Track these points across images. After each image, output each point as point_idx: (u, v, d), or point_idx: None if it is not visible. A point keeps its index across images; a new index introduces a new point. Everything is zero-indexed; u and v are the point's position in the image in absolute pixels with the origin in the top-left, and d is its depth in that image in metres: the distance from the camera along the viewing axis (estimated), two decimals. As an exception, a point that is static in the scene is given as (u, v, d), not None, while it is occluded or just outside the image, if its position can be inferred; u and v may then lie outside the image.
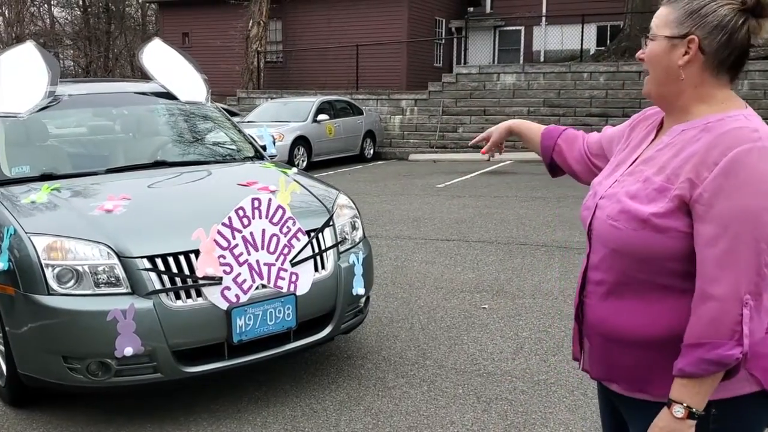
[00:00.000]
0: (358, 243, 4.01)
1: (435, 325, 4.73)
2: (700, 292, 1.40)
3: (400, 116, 18.20)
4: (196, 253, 3.22)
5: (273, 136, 5.17)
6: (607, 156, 1.84)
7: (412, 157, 16.83)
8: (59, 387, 3.25)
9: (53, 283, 3.13)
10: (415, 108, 18.08)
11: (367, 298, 4.02)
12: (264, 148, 5.01)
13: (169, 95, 4.92)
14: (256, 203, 3.34)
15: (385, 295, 5.41)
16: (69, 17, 38.34)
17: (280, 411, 3.55)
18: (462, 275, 5.94)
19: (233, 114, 17.35)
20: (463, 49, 21.01)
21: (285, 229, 3.43)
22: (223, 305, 3.24)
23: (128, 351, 3.06)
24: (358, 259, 3.75)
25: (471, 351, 4.27)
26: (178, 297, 3.21)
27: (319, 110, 14.89)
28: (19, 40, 33.02)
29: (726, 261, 1.37)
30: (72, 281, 3.15)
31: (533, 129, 2.12)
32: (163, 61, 5.17)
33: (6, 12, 34.42)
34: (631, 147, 1.66)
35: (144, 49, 5.18)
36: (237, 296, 3.27)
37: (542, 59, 22.69)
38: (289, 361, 4.07)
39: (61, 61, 37.85)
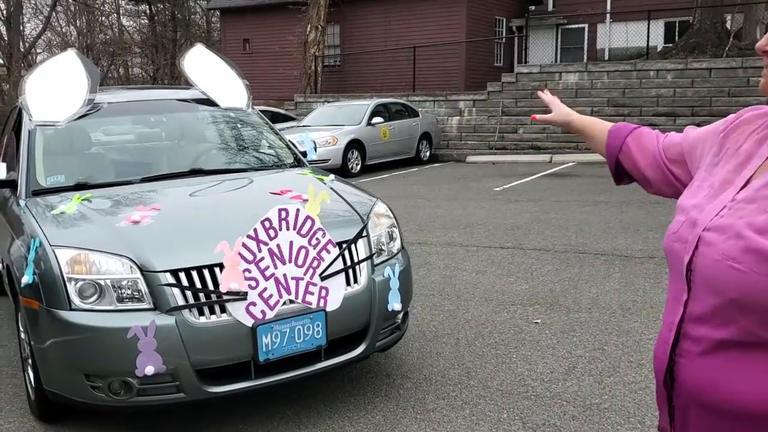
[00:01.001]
0: (396, 254, 3.78)
1: (482, 341, 4.46)
2: None
3: (458, 117, 17.88)
4: (221, 266, 3.06)
5: (314, 142, 4.99)
6: (687, 164, 1.49)
7: (470, 159, 16.50)
8: (83, 405, 3.14)
9: (75, 298, 3.02)
10: (474, 109, 17.73)
11: (406, 314, 3.79)
12: (305, 154, 4.84)
13: (209, 102, 4.81)
14: (284, 214, 3.16)
15: (431, 307, 5.17)
16: (137, 26, 39.44)
17: (311, 433, 3.36)
18: (514, 286, 5.64)
19: (290, 118, 17.41)
20: (523, 48, 20.53)
21: (314, 241, 3.24)
22: (249, 322, 3.06)
23: (149, 370, 2.92)
24: (394, 272, 3.52)
25: (519, 371, 3.99)
26: (201, 313, 3.05)
27: (374, 113, 14.74)
28: (89, 49, 34.20)
29: None
30: (94, 296, 3.03)
31: (598, 126, 1.78)
32: (204, 67, 5.07)
33: (78, 22, 35.67)
34: (737, 161, 1.30)
35: (186, 56, 5.10)
36: (263, 312, 3.09)
37: (606, 57, 21.95)
38: (324, 378, 3.88)
39: (130, 69, 39.03)
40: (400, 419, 3.47)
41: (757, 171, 1.24)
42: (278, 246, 3.14)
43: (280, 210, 3.15)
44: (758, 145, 1.28)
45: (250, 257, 3.07)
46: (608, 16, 22.17)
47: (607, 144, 1.71)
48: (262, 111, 17.61)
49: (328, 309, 3.25)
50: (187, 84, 5.11)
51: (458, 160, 16.69)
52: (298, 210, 3.20)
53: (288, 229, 3.17)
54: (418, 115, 16.28)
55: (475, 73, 21.29)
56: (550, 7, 23.99)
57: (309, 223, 3.23)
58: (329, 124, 14.51)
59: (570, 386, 3.75)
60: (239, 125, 4.92)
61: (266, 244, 3.12)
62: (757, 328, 1.13)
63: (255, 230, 3.09)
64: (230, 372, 3.15)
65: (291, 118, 17.52)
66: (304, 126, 15.02)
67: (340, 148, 13.44)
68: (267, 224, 3.12)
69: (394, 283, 3.52)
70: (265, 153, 4.74)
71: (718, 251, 1.17)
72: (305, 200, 3.42)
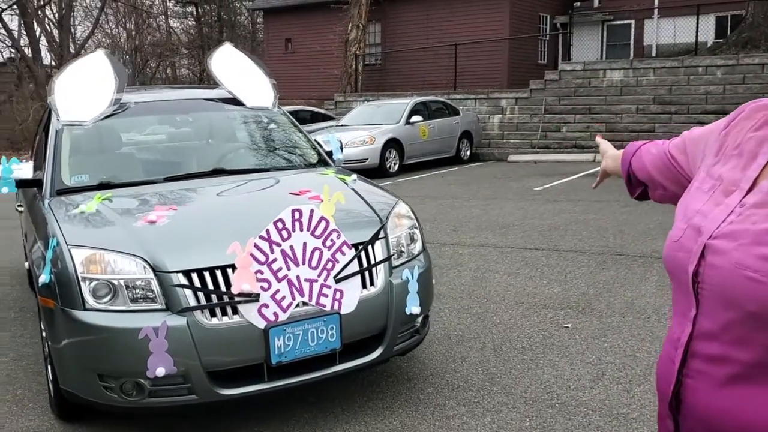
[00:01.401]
0: (417, 256, 3.69)
1: (509, 345, 4.34)
2: None
3: (500, 116, 17.64)
4: (234, 267, 3.02)
5: (341, 141, 4.92)
6: (689, 160, 1.38)
7: (511, 158, 16.26)
8: (97, 405, 3.14)
9: (89, 298, 3.02)
10: (516, 107, 17.47)
11: (426, 317, 3.69)
12: (330, 154, 4.78)
13: (235, 101, 4.79)
14: (297, 215, 3.10)
15: (459, 309, 5.06)
16: (184, 27, 40.10)
17: (326, 438, 3.29)
18: (547, 289, 5.49)
19: (329, 118, 17.43)
20: (567, 45, 20.16)
21: (329, 243, 3.17)
22: (261, 324, 3.01)
23: (160, 371, 2.90)
24: (412, 275, 3.43)
25: (545, 377, 3.85)
26: (213, 314, 3.01)
27: (413, 112, 14.61)
28: (137, 50, 34.92)
29: None
30: (108, 296, 3.02)
31: (617, 154, 1.72)
32: (231, 66, 5.05)
33: (127, 24, 36.44)
34: (739, 161, 1.18)
35: (213, 55, 5.08)
36: (275, 314, 3.04)
37: (653, 54, 21.41)
38: (344, 381, 3.81)
39: (177, 70, 39.71)
40: (418, 426, 3.38)
41: (763, 171, 1.12)
42: (291, 247, 3.08)
43: (293, 211, 3.09)
44: (760, 142, 1.16)
45: (262, 258, 3.02)
46: (656, 11, 21.63)
47: (623, 152, 1.63)
48: (301, 110, 17.70)
49: (343, 312, 3.18)
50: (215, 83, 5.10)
51: (499, 159, 16.47)
52: (312, 211, 3.14)
53: (302, 230, 3.11)
54: (458, 114, 16.10)
55: (518, 71, 21.01)
56: (596, 3, 23.51)
57: (323, 224, 3.16)
58: (367, 123, 14.44)
59: (597, 394, 3.61)
60: (265, 125, 4.89)
61: (279, 245, 3.06)
62: None
63: (267, 231, 3.04)
64: (243, 374, 3.11)
65: (330, 118, 17.53)
66: (342, 125, 14.99)
67: (377, 147, 13.36)
68: (280, 225, 3.06)
69: (413, 286, 3.43)
70: (289, 153, 4.70)
71: (730, 260, 1.06)
72: (323, 201, 3.36)
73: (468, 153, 16.21)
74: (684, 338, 1.16)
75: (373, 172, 13.32)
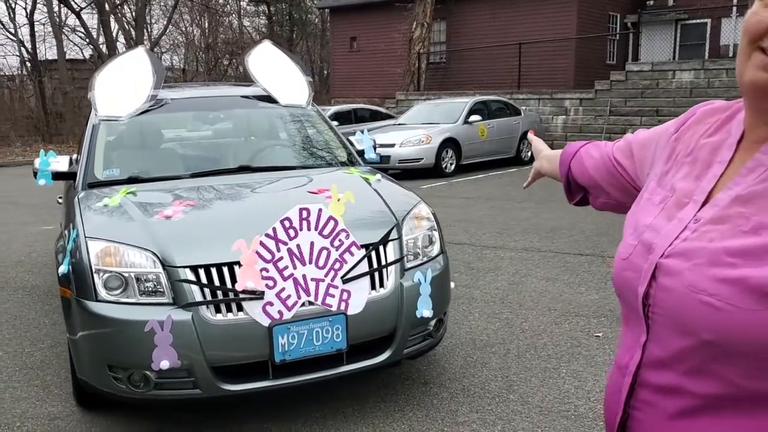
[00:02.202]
0: (435, 258, 3.62)
1: (533, 353, 4.22)
2: None
3: (563, 117, 17.27)
4: (240, 264, 3.03)
5: (374, 140, 4.89)
6: (636, 166, 1.27)
7: (573, 160, 15.87)
8: (108, 395, 3.21)
9: (101, 289, 3.09)
10: (580, 108, 17.07)
11: (440, 321, 3.62)
12: (361, 153, 4.76)
13: (269, 98, 4.83)
14: (305, 214, 3.09)
15: (489, 314, 4.96)
16: (255, 26, 40.92)
17: (332, 438, 3.28)
18: (583, 296, 5.32)
19: (389, 117, 17.43)
20: (637, 44, 19.55)
21: (337, 242, 3.14)
22: (265, 321, 3.02)
23: (164, 364, 2.94)
24: (425, 278, 3.37)
25: (565, 387, 3.73)
26: (218, 310, 3.03)
27: (472, 111, 14.42)
28: (210, 48, 35.82)
29: None
30: (119, 288, 3.08)
31: (554, 155, 1.62)
32: (268, 63, 5.10)
33: (203, 22, 37.43)
34: (692, 170, 1.07)
35: (251, 52, 5.14)
36: (280, 312, 3.04)
37: (731, 54, 20.52)
38: (358, 381, 3.79)
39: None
40: (427, 430, 3.32)
41: (718, 182, 1.01)
42: (298, 246, 3.08)
43: (300, 210, 3.08)
44: (714, 150, 1.05)
45: (268, 256, 3.03)
46: (734, 9, 20.71)
47: (561, 154, 1.52)
48: (360, 109, 17.75)
49: (349, 312, 3.15)
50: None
51: (561, 160, 16.10)
52: (320, 210, 3.12)
53: (309, 229, 3.10)
54: (519, 114, 15.82)
55: (585, 71, 20.51)
56: (670, 2, 22.71)
57: (332, 223, 3.14)
58: (425, 122, 14.36)
59: (617, 408, 3.46)
60: (296, 123, 4.91)
61: (285, 243, 3.06)
62: (739, 377, 0.90)
63: (274, 229, 3.04)
64: (249, 371, 3.12)
65: (390, 116, 17.53)
66: (399, 124, 14.96)
67: (433, 146, 13.26)
68: (287, 223, 3.06)
69: (425, 289, 3.37)
70: (317, 151, 4.70)
71: (683, 282, 0.95)
72: (338, 200, 3.33)
73: (529, 154, 15.86)
74: (633, 366, 1.05)
75: (428, 172, 13.26)
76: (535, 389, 3.72)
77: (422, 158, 13.18)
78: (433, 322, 3.53)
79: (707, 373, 0.93)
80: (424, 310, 3.36)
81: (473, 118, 14.31)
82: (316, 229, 3.11)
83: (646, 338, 1.02)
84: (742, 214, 0.93)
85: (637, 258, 1.04)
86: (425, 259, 3.57)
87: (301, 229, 3.08)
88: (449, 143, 13.61)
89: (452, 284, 3.82)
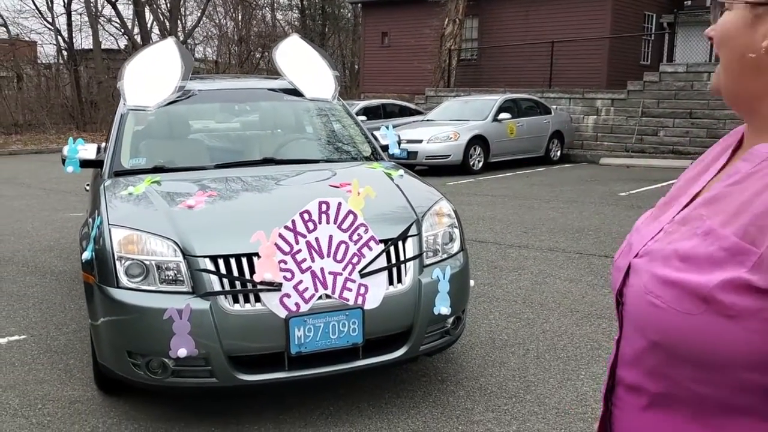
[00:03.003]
0: (455, 255, 3.61)
1: (553, 354, 4.18)
2: None
3: (594, 117, 17.06)
4: (259, 256, 3.05)
5: (398, 136, 4.89)
6: None
7: (603, 160, 15.70)
8: (127, 380, 3.26)
9: (122, 276, 3.13)
10: (612, 108, 16.84)
11: (458, 318, 3.60)
12: (385, 147, 4.75)
13: (295, 92, 4.85)
14: (324, 207, 3.09)
15: (509, 314, 4.92)
16: (288, 19, 41.08)
17: (346, 432, 3.28)
18: (607, 298, 5.26)
19: (417, 112, 17.39)
20: (672, 45, 19.24)
21: (355, 237, 3.14)
22: (282, 313, 3.03)
23: (182, 352, 2.97)
24: (444, 275, 3.35)
25: (584, 389, 3.69)
26: (236, 300, 3.06)
27: (501, 109, 14.32)
28: (243, 40, 36.05)
29: None
30: (140, 276, 3.12)
31: None
32: (296, 57, 5.12)
33: (236, 15, 37.69)
34: (691, 176, 1.07)
35: (279, 46, 5.16)
36: (297, 305, 3.05)
37: (769, 56, 20.04)
38: (376, 376, 3.80)
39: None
40: (441, 428, 3.31)
41: (706, 186, 1.00)
42: (317, 239, 3.09)
43: (320, 203, 3.09)
44: (716, 156, 1.04)
45: (286, 248, 3.04)
46: (774, 11, 20.24)
47: None
48: (389, 104, 17.72)
49: (366, 307, 3.15)
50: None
51: (591, 161, 15.94)
52: (339, 204, 3.13)
53: (328, 222, 3.11)
54: (550, 113, 15.67)
55: (618, 71, 20.22)
56: (708, 2, 22.28)
57: (351, 217, 3.14)
58: (453, 119, 14.29)
59: (635, 413, 3.41)
60: (321, 116, 4.92)
61: (304, 236, 3.07)
62: (683, 379, 0.90)
63: (293, 222, 3.05)
64: (265, 362, 3.14)
65: (419, 112, 17.49)
66: (428, 120, 14.92)
67: (461, 143, 13.19)
68: (306, 216, 3.07)
69: (444, 286, 3.36)
70: (341, 145, 4.71)
71: (641, 281, 0.95)
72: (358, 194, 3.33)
73: (558, 153, 15.76)
74: (610, 363, 1.07)
75: (456, 169, 13.20)
76: (552, 390, 3.69)
77: (450, 155, 13.12)
78: (451, 320, 3.51)
79: (660, 375, 0.94)
80: (442, 307, 3.35)
81: (502, 115, 14.21)
82: (335, 222, 3.11)
83: (619, 336, 1.04)
84: (701, 216, 0.92)
85: (621, 258, 1.06)
86: (445, 256, 3.55)
87: (320, 222, 3.09)
88: (477, 141, 13.53)
89: (471, 282, 3.81)
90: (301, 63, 5.08)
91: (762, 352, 0.81)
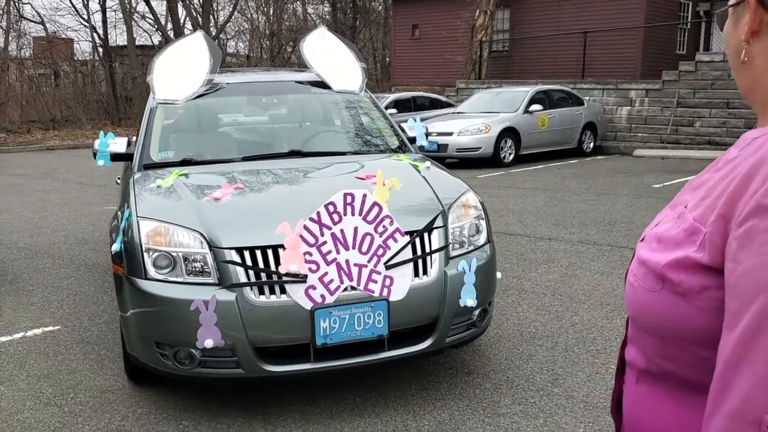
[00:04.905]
0: (481, 247, 3.58)
1: (582, 347, 4.13)
2: (710, 400, 0.85)
3: (628, 108, 16.78)
4: (284, 248, 3.06)
5: (426, 128, 4.86)
6: None
7: (637, 152, 15.45)
8: (156, 371, 3.30)
9: (150, 268, 3.17)
10: (646, 99, 16.55)
11: (484, 311, 3.58)
12: (413, 140, 4.73)
13: (322, 84, 4.85)
14: (349, 199, 3.09)
15: (538, 306, 4.88)
16: (319, 13, 41.14)
17: (371, 424, 3.28)
18: (638, 291, 5.17)
19: (448, 105, 17.29)
20: (708, 34, 18.82)
21: (380, 229, 3.14)
22: (307, 305, 3.04)
23: (208, 343, 3.00)
24: (470, 267, 3.33)
25: (612, 383, 3.62)
26: (261, 292, 3.08)
27: (533, 100, 14.16)
28: (274, 35, 36.22)
29: (743, 355, 0.79)
30: (167, 267, 3.16)
31: None
32: (323, 49, 5.11)
33: (268, 10, 37.88)
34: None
35: (306, 38, 5.16)
36: (322, 296, 3.05)
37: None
38: (403, 368, 3.79)
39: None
40: (467, 420, 3.30)
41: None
42: (342, 231, 3.08)
43: (345, 195, 3.09)
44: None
45: (311, 240, 3.04)
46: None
47: None
48: (419, 96, 17.67)
49: (392, 299, 3.14)
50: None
51: (625, 153, 15.69)
52: (365, 195, 3.12)
53: (353, 214, 3.10)
54: (582, 104, 15.46)
55: (652, 61, 19.86)
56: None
57: (376, 209, 3.13)
58: (485, 111, 14.18)
59: (666, 408, 3.36)
60: (348, 108, 4.92)
61: (329, 228, 3.07)
62: (654, 354, 0.99)
63: (318, 213, 3.05)
64: (290, 353, 3.16)
65: (450, 105, 17.40)
66: (458, 113, 14.83)
67: (492, 136, 13.10)
68: (331, 208, 3.07)
69: (470, 278, 3.33)
70: (368, 137, 4.70)
71: (631, 264, 1.06)
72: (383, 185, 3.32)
73: (591, 145, 15.54)
74: (622, 342, 1.16)
75: (486, 162, 13.12)
76: (581, 384, 3.65)
77: (480, 147, 13.04)
78: (477, 312, 3.49)
79: (641, 351, 1.03)
80: (468, 299, 3.33)
81: (534, 107, 14.06)
82: (360, 214, 3.11)
83: (628, 317, 1.10)
84: (685, 201, 0.98)
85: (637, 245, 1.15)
86: (471, 248, 3.53)
87: (345, 214, 3.09)
88: (508, 133, 13.42)
89: (498, 275, 3.77)
90: (329, 55, 5.08)
91: (710, 330, 0.86)
